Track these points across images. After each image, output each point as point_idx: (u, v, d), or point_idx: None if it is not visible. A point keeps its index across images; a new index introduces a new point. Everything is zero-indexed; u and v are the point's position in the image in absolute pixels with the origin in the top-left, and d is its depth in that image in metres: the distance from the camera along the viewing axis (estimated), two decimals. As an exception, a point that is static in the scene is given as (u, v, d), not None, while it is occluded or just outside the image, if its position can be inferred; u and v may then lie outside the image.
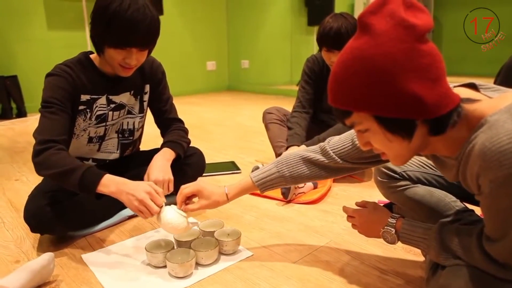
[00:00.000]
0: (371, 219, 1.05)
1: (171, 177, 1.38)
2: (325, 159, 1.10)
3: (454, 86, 0.80)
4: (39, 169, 1.20)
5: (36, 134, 1.23)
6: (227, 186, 1.19)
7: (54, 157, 1.18)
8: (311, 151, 1.13)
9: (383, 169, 1.15)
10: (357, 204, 1.13)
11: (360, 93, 0.71)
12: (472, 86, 0.80)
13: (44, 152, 1.18)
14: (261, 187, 1.16)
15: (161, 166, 1.38)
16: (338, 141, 1.10)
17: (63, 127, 1.26)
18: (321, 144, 1.13)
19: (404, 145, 0.76)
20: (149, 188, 1.16)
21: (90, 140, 1.45)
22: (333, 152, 1.09)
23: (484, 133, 0.69)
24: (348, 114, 0.76)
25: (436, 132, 0.75)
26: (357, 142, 1.04)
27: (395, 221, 0.99)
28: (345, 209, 1.13)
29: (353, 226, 1.12)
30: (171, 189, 1.37)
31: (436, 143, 0.79)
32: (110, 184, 1.17)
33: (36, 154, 1.19)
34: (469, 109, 0.74)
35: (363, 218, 1.08)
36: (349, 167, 1.10)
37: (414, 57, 0.68)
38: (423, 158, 1.13)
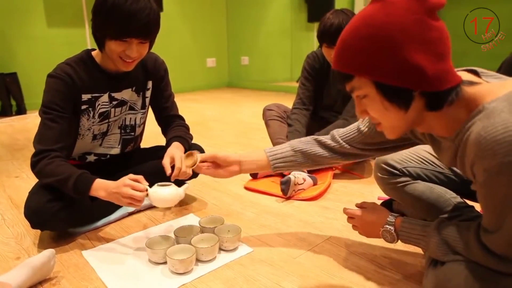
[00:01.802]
0: (371, 219, 1.06)
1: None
2: (332, 142, 1.15)
3: (457, 70, 0.80)
4: (38, 178, 1.31)
5: (35, 143, 1.30)
6: (243, 162, 1.21)
7: (47, 167, 1.25)
8: (321, 135, 1.19)
9: (383, 165, 1.15)
10: (356, 205, 1.13)
11: (364, 57, 0.73)
12: (474, 72, 0.81)
13: (39, 163, 1.26)
14: (274, 165, 1.19)
15: (176, 153, 1.39)
16: (345, 129, 1.15)
17: (61, 135, 1.30)
18: (332, 132, 1.18)
19: (400, 116, 0.77)
20: (128, 181, 1.20)
21: (94, 137, 1.47)
22: (340, 138, 1.14)
23: (481, 121, 0.69)
24: (349, 78, 0.78)
25: (432, 107, 0.76)
26: (361, 127, 1.08)
27: (394, 220, 0.99)
28: (345, 211, 1.14)
29: (354, 227, 1.13)
30: (190, 173, 1.35)
31: (432, 120, 0.80)
32: (99, 189, 1.23)
33: (32, 166, 1.27)
34: (468, 91, 0.75)
35: (362, 219, 1.08)
36: (356, 153, 1.13)
37: (423, 29, 0.69)
38: (423, 154, 1.13)
